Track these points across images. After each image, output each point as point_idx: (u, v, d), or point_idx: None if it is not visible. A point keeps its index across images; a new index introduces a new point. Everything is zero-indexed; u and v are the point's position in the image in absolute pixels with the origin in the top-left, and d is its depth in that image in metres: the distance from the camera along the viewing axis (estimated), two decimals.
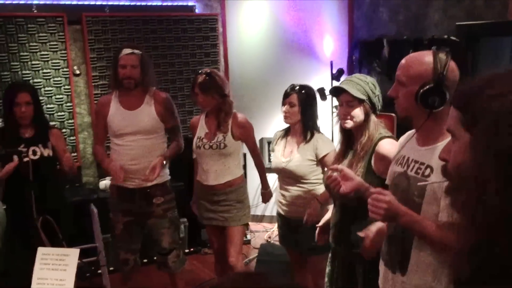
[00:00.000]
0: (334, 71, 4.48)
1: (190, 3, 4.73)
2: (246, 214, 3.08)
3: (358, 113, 2.14)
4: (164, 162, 2.97)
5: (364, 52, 4.55)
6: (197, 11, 4.75)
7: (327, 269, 2.36)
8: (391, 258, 1.69)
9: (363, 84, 2.15)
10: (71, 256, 2.09)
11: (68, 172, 3.00)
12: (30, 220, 2.62)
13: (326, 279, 2.37)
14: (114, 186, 3.08)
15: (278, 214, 2.94)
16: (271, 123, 4.73)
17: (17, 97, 2.85)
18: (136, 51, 2.95)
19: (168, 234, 3.09)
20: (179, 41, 4.59)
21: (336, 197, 2.21)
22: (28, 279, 1.97)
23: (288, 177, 2.80)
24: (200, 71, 2.94)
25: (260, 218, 5.25)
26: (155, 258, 3.37)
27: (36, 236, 2.24)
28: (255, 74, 5.01)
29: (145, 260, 3.81)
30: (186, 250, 4.39)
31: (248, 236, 4.73)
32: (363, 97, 2.13)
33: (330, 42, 4.73)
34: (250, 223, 4.98)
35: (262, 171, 3.15)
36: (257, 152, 3.14)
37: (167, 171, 3.13)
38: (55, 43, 4.06)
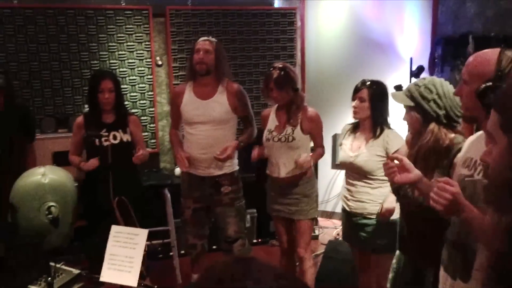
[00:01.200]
0: (414, 68, 4.32)
1: None
2: (314, 208, 3.07)
3: (407, 119, 2.07)
4: (239, 144, 3.06)
5: (448, 49, 4.32)
6: (276, 5, 4.79)
7: (390, 275, 2.28)
8: (453, 264, 1.62)
9: (413, 89, 2.01)
10: (140, 235, 2.21)
11: (137, 163, 3.11)
12: (107, 199, 2.80)
13: (388, 286, 2.30)
14: (185, 173, 3.20)
15: (343, 209, 2.91)
16: (346, 119, 4.64)
17: (101, 84, 3.02)
18: (211, 38, 3.05)
19: (234, 223, 3.16)
20: (256, 35, 4.66)
21: (401, 199, 2.15)
22: (100, 253, 2.11)
23: (355, 172, 2.76)
24: (273, 67, 2.96)
25: (330, 215, 5.21)
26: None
27: (112, 215, 2.38)
28: (331, 69, 4.97)
29: (214, 247, 3.93)
30: (254, 241, 4.47)
31: (317, 232, 4.72)
32: (409, 103, 2.01)
33: (411, 38, 4.56)
34: (319, 218, 4.98)
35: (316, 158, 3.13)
36: (323, 150, 3.11)
37: (236, 161, 3.20)
38: (140, 34, 4.29)
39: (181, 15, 4.40)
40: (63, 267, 2.13)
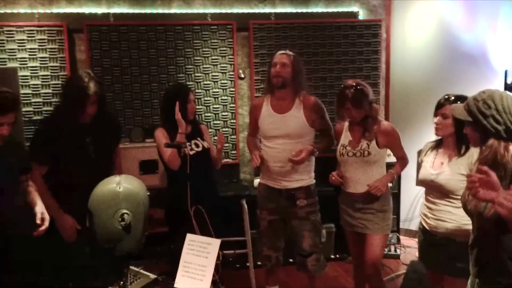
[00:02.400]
0: (510, 81, 4.04)
1: (354, 9, 4.71)
2: (388, 225, 2.98)
3: (468, 132, 1.98)
4: (314, 152, 3.07)
5: None
6: (360, 17, 4.71)
7: None
8: None
9: (471, 104, 1.91)
10: (213, 245, 2.26)
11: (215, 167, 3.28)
12: (185, 208, 2.90)
13: None
14: (262, 185, 3.23)
15: (421, 228, 2.77)
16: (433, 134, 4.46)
17: (189, 95, 3.18)
18: (289, 52, 3.07)
19: (309, 237, 3.13)
20: (339, 47, 4.62)
21: (473, 213, 2.00)
22: (177, 259, 2.19)
23: (436, 190, 2.62)
24: (345, 85, 2.91)
25: (413, 234, 4.98)
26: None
27: (189, 223, 2.46)
28: (419, 82, 4.78)
29: (291, 260, 3.91)
30: (332, 256, 4.39)
31: (398, 251, 4.54)
32: (467, 118, 1.91)
33: (506, 49, 4.27)
34: (401, 237, 4.78)
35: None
36: (405, 161, 3.02)
37: (312, 175, 3.18)
38: (224, 48, 4.42)
39: (264, 29, 4.48)
40: (142, 271, 2.23)
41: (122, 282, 1.78)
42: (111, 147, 3.00)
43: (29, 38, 4.11)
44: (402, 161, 3.01)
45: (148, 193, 1.87)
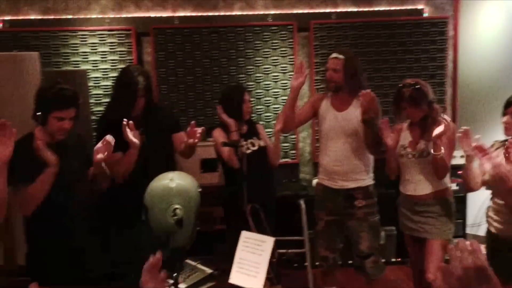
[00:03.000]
0: None
1: (418, 7, 4.57)
2: (450, 229, 2.87)
3: None
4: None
5: None
6: (425, 14, 4.57)
7: None
8: None
9: None
10: (267, 243, 2.29)
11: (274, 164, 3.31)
12: (241, 206, 2.95)
13: None
14: (319, 185, 3.22)
15: (488, 232, 2.64)
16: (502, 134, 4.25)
17: (244, 95, 3.25)
18: (340, 56, 3.03)
19: (367, 238, 3.09)
20: (403, 46, 4.50)
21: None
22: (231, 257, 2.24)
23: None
24: (403, 84, 2.84)
25: (482, 240, 4.75)
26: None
27: (245, 221, 2.50)
28: (487, 80, 4.56)
29: (350, 262, 3.87)
30: (392, 260, 4.29)
31: None
32: None
33: None
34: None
35: None
36: (446, 168, 2.84)
37: (371, 175, 3.13)
38: (284, 49, 4.45)
39: (324, 29, 4.46)
40: (198, 265, 2.31)
41: (175, 275, 1.85)
42: (164, 138, 3.02)
43: (101, 42, 4.35)
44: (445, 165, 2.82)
45: (200, 190, 1.93)
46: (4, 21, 4.34)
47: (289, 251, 3.76)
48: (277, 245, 2.35)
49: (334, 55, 3.08)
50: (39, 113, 2.44)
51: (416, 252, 3.02)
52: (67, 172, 2.45)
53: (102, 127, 2.89)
